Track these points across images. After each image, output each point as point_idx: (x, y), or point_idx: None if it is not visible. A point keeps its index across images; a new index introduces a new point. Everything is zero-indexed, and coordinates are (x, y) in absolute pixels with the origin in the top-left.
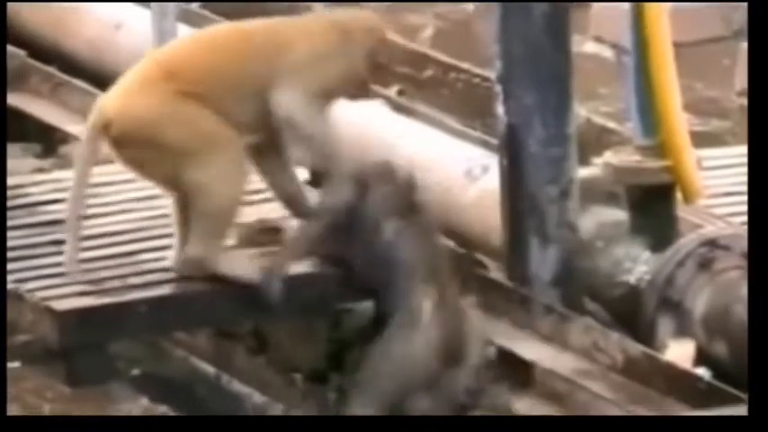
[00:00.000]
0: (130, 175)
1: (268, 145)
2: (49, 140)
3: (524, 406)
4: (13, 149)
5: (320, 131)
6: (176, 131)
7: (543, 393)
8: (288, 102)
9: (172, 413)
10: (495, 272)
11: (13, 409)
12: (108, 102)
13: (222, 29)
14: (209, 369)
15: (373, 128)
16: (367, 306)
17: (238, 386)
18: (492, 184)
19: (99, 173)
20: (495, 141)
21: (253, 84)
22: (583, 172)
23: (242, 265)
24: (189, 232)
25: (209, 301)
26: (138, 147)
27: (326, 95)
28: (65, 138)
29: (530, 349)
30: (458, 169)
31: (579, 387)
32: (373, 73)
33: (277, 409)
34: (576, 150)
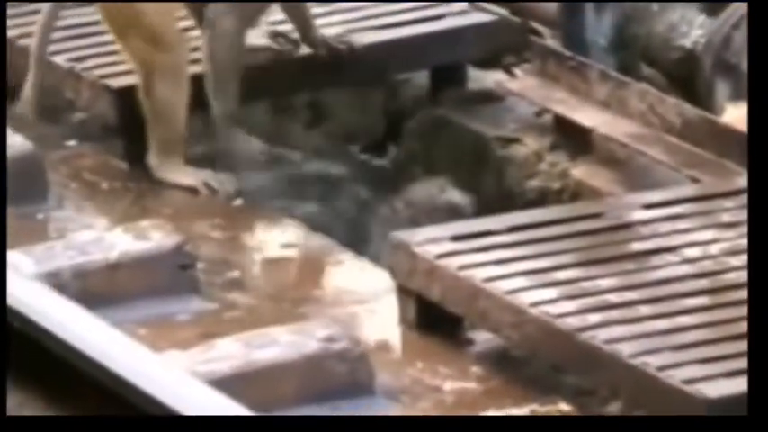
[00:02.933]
0: None
1: None
2: None
3: (582, 171)
4: None
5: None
6: (137, 29)
7: (601, 158)
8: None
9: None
10: (551, 39)
11: (73, 187)
12: None
13: None
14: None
15: None
16: (422, 76)
17: (295, 155)
18: None
19: None
20: None
21: None
22: None
23: (186, 175)
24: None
25: (264, 73)
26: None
27: None
28: None
29: (587, 115)
30: None
31: (637, 151)
32: None
33: (334, 180)
34: None
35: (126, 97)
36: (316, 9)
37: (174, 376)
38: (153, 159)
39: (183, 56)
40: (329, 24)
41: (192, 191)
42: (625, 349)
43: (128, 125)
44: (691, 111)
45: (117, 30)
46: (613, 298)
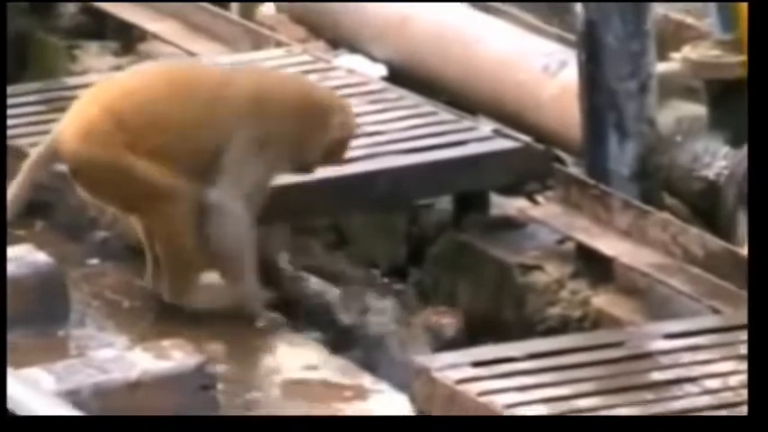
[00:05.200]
0: None
1: None
2: (127, 38)
3: (603, 300)
4: (91, 47)
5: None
6: (130, 188)
7: (622, 287)
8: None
9: None
10: (574, 167)
11: (94, 305)
12: (62, 140)
13: (174, 75)
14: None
15: (452, 23)
16: (445, 201)
17: (316, 281)
18: (571, 80)
19: None
20: (572, 37)
21: (207, 140)
22: (661, 67)
23: (216, 295)
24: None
25: (287, 196)
26: (94, 189)
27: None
28: (143, 36)
29: (609, 244)
30: (536, 65)
31: (658, 282)
32: (327, 158)
33: (355, 304)
34: (654, 45)
35: None
36: None
37: None
38: (176, 294)
39: (185, 196)
40: (355, 147)
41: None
42: None
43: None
44: (713, 242)
45: (107, 199)
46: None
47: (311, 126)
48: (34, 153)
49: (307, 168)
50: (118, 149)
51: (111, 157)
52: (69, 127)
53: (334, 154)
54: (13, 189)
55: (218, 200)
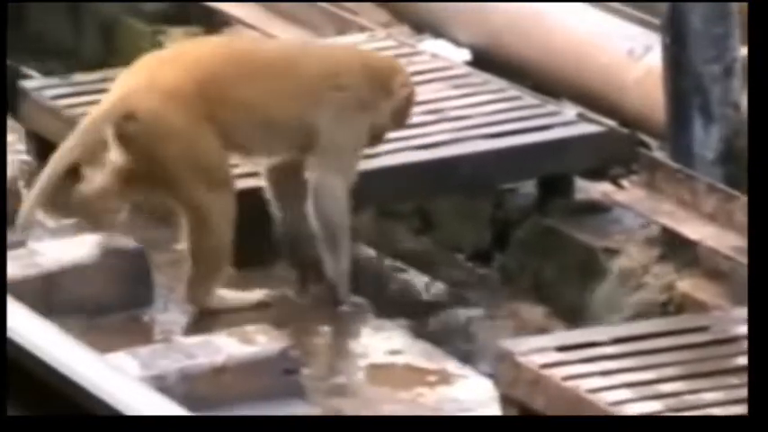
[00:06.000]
0: None
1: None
2: (211, 23)
3: (688, 284)
4: (176, 33)
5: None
6: (194, 162)
7: (707, 271)
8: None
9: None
10: (659, 151)
11: (179, 291)
12: (137, 98)
13: (265, 52)
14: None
15: (534, 7)
16: (530, 185)
17: (401, 266)
18: (655, 64)
19: None
20: (656, 21)
21: (287, 118)
22: (746, 50)
23: (236, 296)
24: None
25: (372, 181)
26: (149, 154)
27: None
28: (227, 21)
29: (693, 228)
30: (620, 48)
31: (742, 265)
32: (394, 122)
33: (440, 288)
34: (739, 28)
35: (240, 200)
36: (426, 117)
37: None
38: (198, 295)
39: (233, 191)
40: (440, 132)
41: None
42: None
43: (240, 228)
44: None
45: (165, 180)
46: (717, 412)
47: (379, 90)
48: (89, 119)
49: (379, 136)
50: (199, 117)
51: (190, 124)
52: (147, 86)
53: (401, 116)
54: (59, 155)
55: (321, 178)
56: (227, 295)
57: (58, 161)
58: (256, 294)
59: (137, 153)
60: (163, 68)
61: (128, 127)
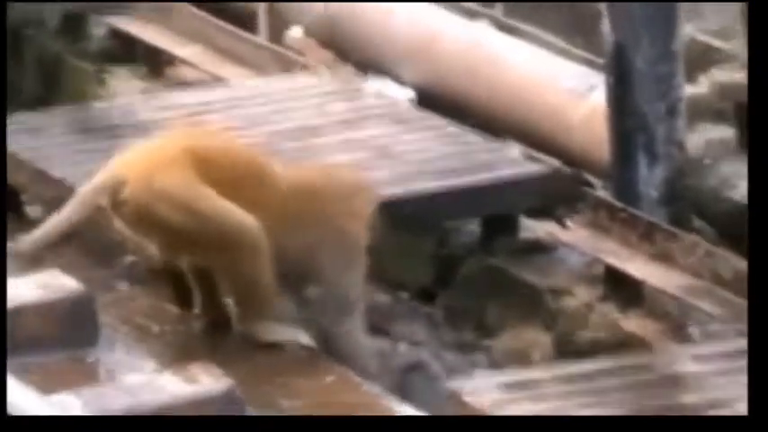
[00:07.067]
0: None
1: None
2: (155, 62)
3: (633, 324)
4: (120, 72)
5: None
6: (203, 222)
7: (652, 311)
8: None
9: None
10: (603, 190)
11: (123, 329)
12: (128, 171)
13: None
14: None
15: (480, 46)
16: (474, 224)
17: None
18: (598, 103)
19: None
20: (599, 60)
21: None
22: (690, 90)
23: (284, 332)
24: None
25: None
26: (153, 227)
27: None
28: (171, 60)
29: (638, 267)
30: (564, 88)
31: (686, 304)
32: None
33: (385, 329)
34: (682, 68)
35: None
36: (369, 155)
37: None
38: (246, 326)
39: (256, 238)
40: (384, 170)
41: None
42: None
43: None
44: (741, 264)
45: (177, 251)
46: None
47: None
48: (86, 189)
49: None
50: (194, 179)
51: (186, 186)
52: (133, 164)
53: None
54: (58, 220)
55: (332, 328)
56: (278, 329)
57: (51, 229)
58: (302, 336)
59: (134, 222)
60: (158, 149)
61: (124, 207)
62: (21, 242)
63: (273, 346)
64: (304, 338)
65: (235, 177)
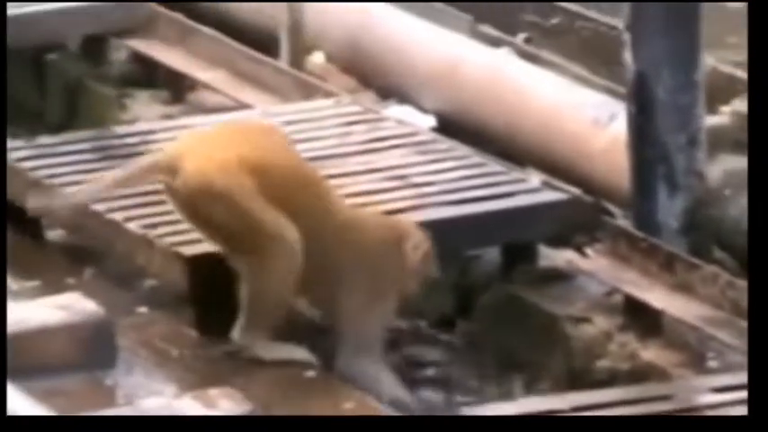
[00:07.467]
0: None
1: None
2: (176, 87)
3: (652, 354)
4: (141, 96)
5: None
6: (241, 224)
7: (671, 342)
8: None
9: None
10: (623, 220)
11: (142, 353)
12: (185, 158)
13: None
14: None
15: (502, 74)
16: (494, 252)
17: None
18: (619, 132)
19: None
20: (621, 89)
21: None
22: (710, 120)
23: (282, 350)
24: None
25: None
26: (197, 214)
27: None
28: (192, 85)
29: (657, 297)
30: (585, 117)
31: (706, 335)
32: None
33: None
34: (703, 98)
35: (198, 265)
36: (390, 183)
37: None
38: (245, 338)
39: (291, 251)
40: (404, 198)
41: (282, 364)
42: None
43: (199, 293)
44: None
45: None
46: None
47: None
48: (145, 158)
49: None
50: (242, 180)
51: (234, 186)
52: (190, 147)
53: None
54: (112, 176)
55: (349, 369)
56: (275, 347)
57: (105, 182)
58: (300, 353)
59: (183, 210)
60: (214, 142)
61: (174, 182)
62: (78, 192)
63: (284, 365)
64: (302, 354)
65: (287, 190)
